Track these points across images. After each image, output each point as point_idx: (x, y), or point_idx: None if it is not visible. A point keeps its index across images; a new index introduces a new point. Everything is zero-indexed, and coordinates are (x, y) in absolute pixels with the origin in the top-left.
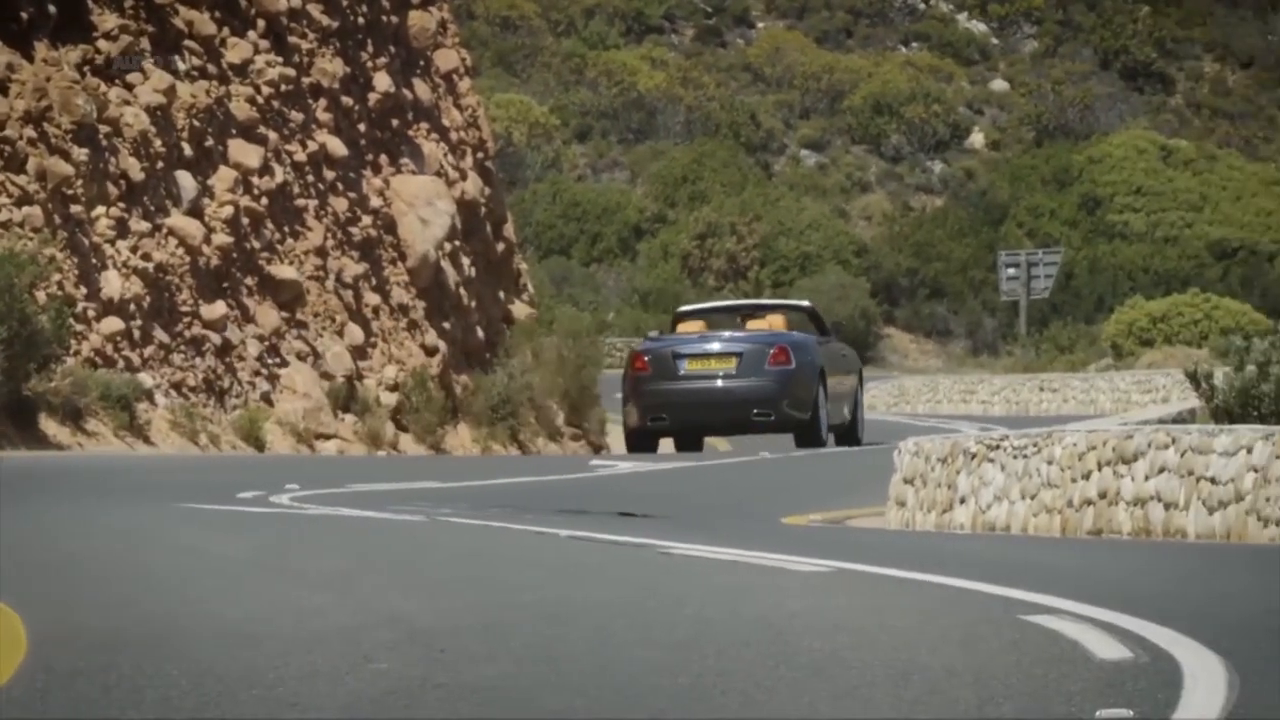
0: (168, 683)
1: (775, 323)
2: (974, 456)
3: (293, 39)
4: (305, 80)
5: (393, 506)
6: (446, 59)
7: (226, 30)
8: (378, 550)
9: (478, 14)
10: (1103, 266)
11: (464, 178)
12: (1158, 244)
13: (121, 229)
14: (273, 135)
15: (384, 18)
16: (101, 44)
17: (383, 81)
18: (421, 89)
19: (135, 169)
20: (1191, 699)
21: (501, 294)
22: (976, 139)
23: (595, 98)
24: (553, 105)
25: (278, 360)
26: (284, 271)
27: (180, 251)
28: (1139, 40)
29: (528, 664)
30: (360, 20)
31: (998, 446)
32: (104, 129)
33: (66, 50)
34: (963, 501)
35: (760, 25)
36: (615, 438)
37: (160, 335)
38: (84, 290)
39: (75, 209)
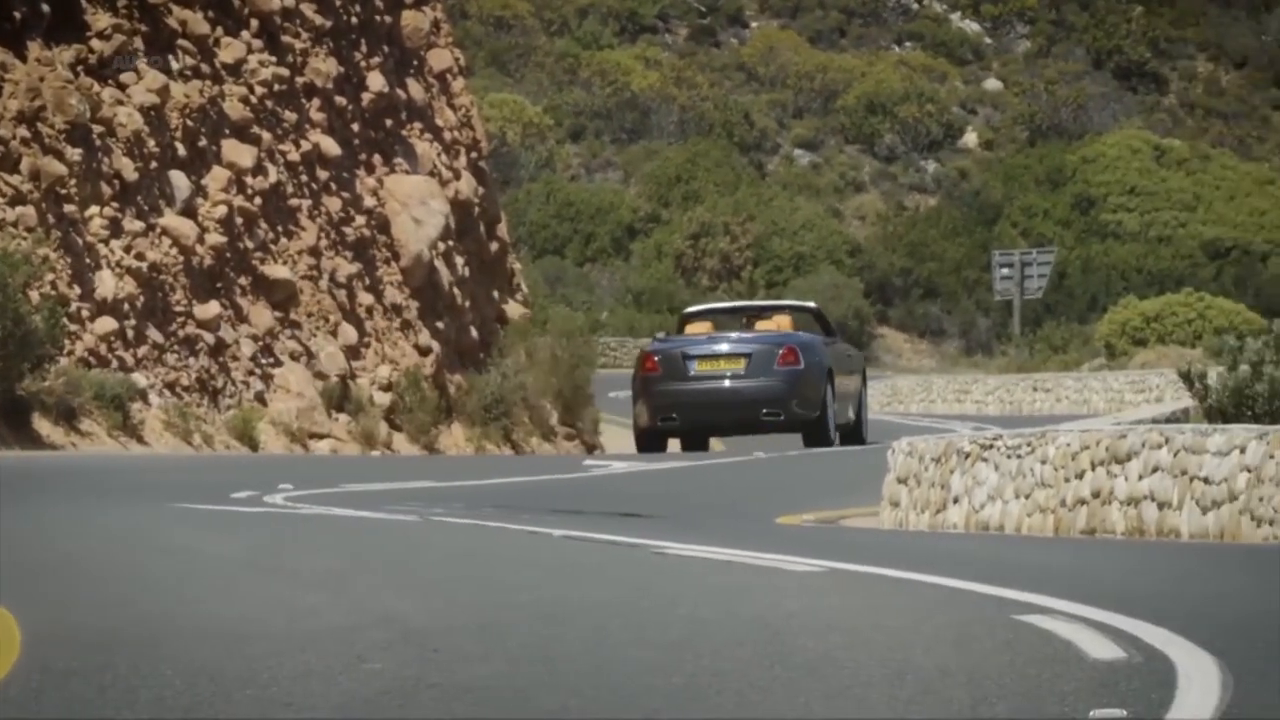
0: (162, 682)
1: (782, 323)
2: (968, 456)
3: (286, 39)
4: (299, 80)
5: (386, 506)
6: (440, 59)
7: (220, 30)
8: (371, 550)
9: (471, 14)
10: (1096, 266)
11: (457, 177)
12: (1151, 244)
13: (115, 229)
14: (266, 135)
15: (377, 17)
16: (95, 43)
17: (376, 81)
18: (415, 89)
19: (129, 169)
20: (1185, 699)
21: (495, 294)
22: (970, 139)
23: (589, 97)
24: (546, 105)
25: (271, 360)
26: (277, 271)
27: (174, 251)
28: (1132, 40)
29: (522, 664)
30: (354, 20)
31: (991, 446)
32: (97, 129)
33: (60, 50)
34: (956, 501)
35: (754, 25)
36: (609, 437)
37: (154, 335)
38: (78, 290)
39: (69, 209)
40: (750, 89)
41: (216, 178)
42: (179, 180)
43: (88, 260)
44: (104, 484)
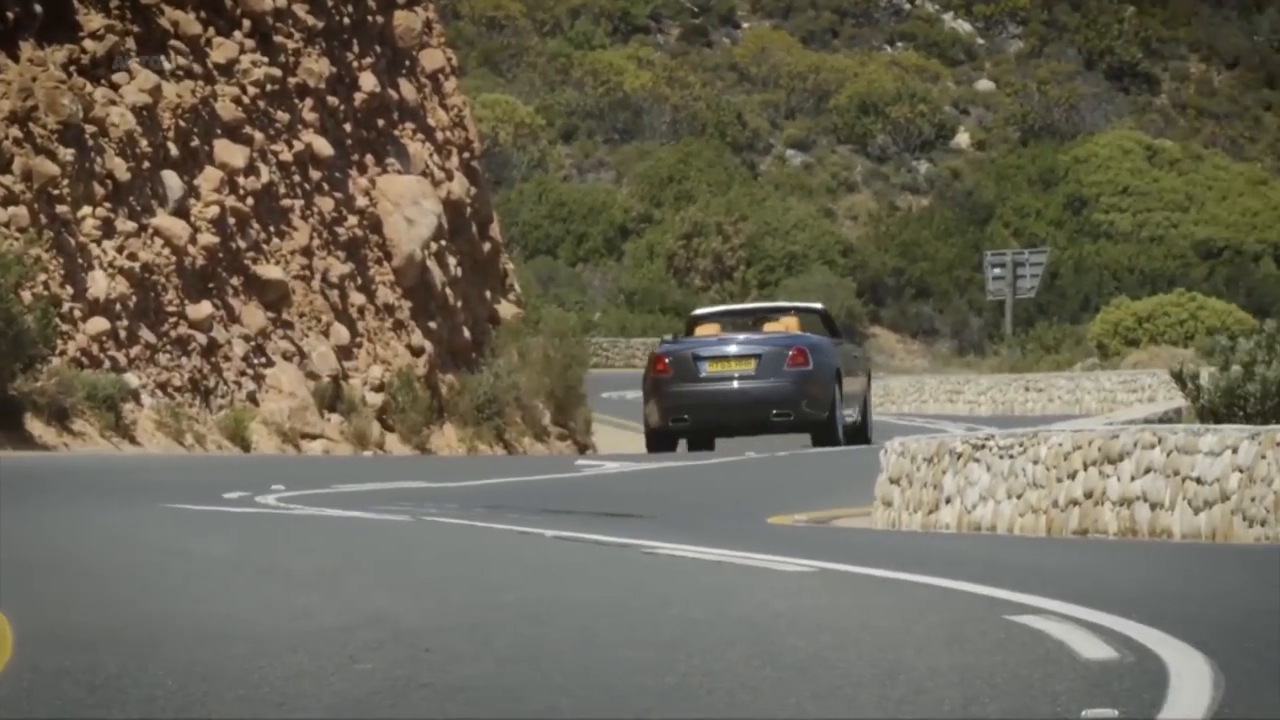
0: (153, 682)
1: (790, 325)
2: (960, 456)
3: (278, 39)
4: (291, 80)
5: (378, 507)
6: (432, 59)
7: (212, 30)
8: (363, 550)
9: (463, 14)
10: (1088, 266)
11: (450, 178)
12: (1143, 244)
13: (107, 229)
14: (258, 135)
15: (370, 17)
16: (87, 44)
17: (368, 81)
18: (407, 89)
19: (121, 169)
20: (1177, 699)
21: (487, 294)
22: (962, 139)
23: (581, 97)
24: (538, 105)
25: (263, 360)
26: (270, 271)
27: (166, 251)
28: (1124, 40)
29: (513, 664)
30: (346, 20)
31: (983, 446)
32: (90, 129)
33: (52, 50)
34: (948, 501)
35: (746, 25)
36: (601, 437)
37: (146, 335)
38: (70, 290)
39: (61, 209)
40: (742, 89)
41: (209, 178)
42: (171, 180)
43: (80, 260)
44: (96, 484)
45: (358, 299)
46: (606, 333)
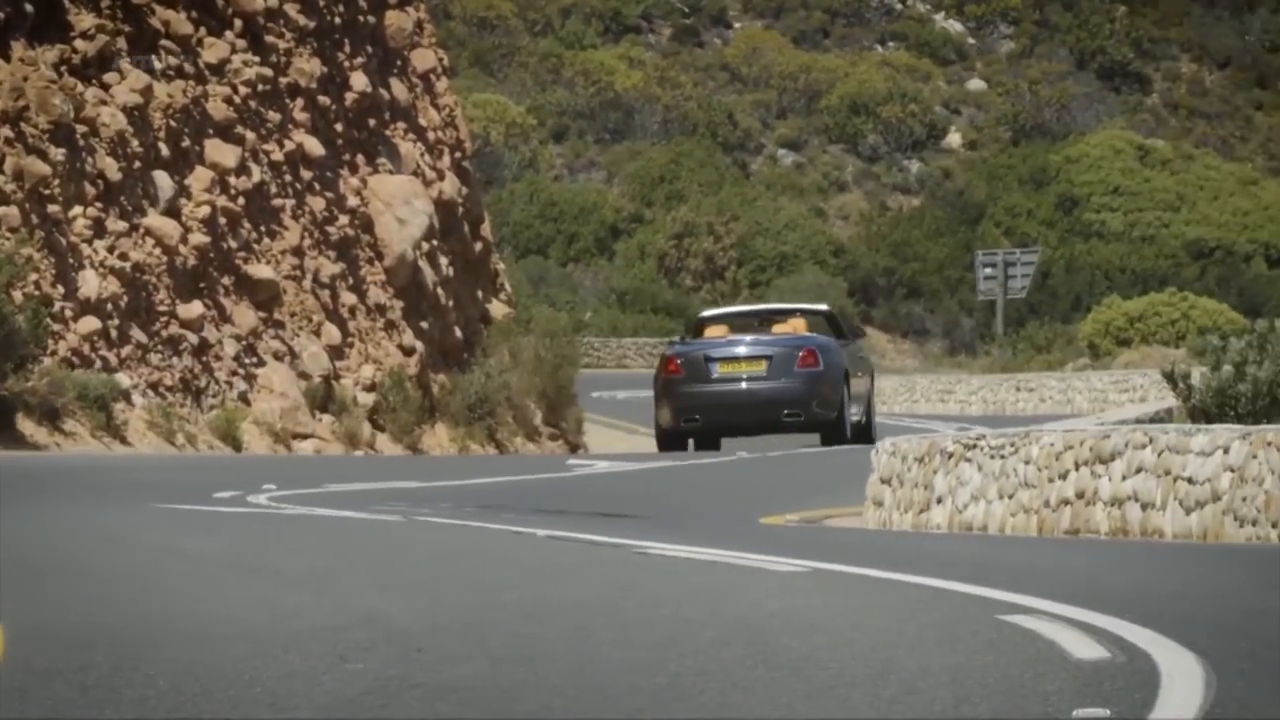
0: (145, 682)
1: (798, 326)
2: (951, 456)
3: (270, 39)
4: (282, 80)
5: (370, 506)
6: (423, 59)
7: (203, 30)
8: (355, 550)
9: (455, 14)
10: (1080, 266)
11: (441, 177)
12: (1135, 243)
13: (98, 229)
14: (250, 135)
15: (361, 18)
16: (78, 44)
17: (360, 81)
18: (399, 89)
19: (112, 169)
20: (1168, 699)
21: (479, 293)
22: (953, 139)
23: (572, 97)
24: (530, 105)
25: (255, 360)
26: (261, 271)
27: (157, 251)
28: (1116, 40)
29: (505, 664)
30: (337, 20)
31: (975, 446)
32: (81, 129)
33: (43, 50)
34: (940, 501)
35: (737, 25)
36: (592, 437)
37: (137, 335)
38: (61, 290)
39: (52, 209)
40: (734, 89)
41: (200, 178)
42: (162, 180)
43: (71, 260)
44: (88, 484)
45: (349, 299)
46: (598, 333)
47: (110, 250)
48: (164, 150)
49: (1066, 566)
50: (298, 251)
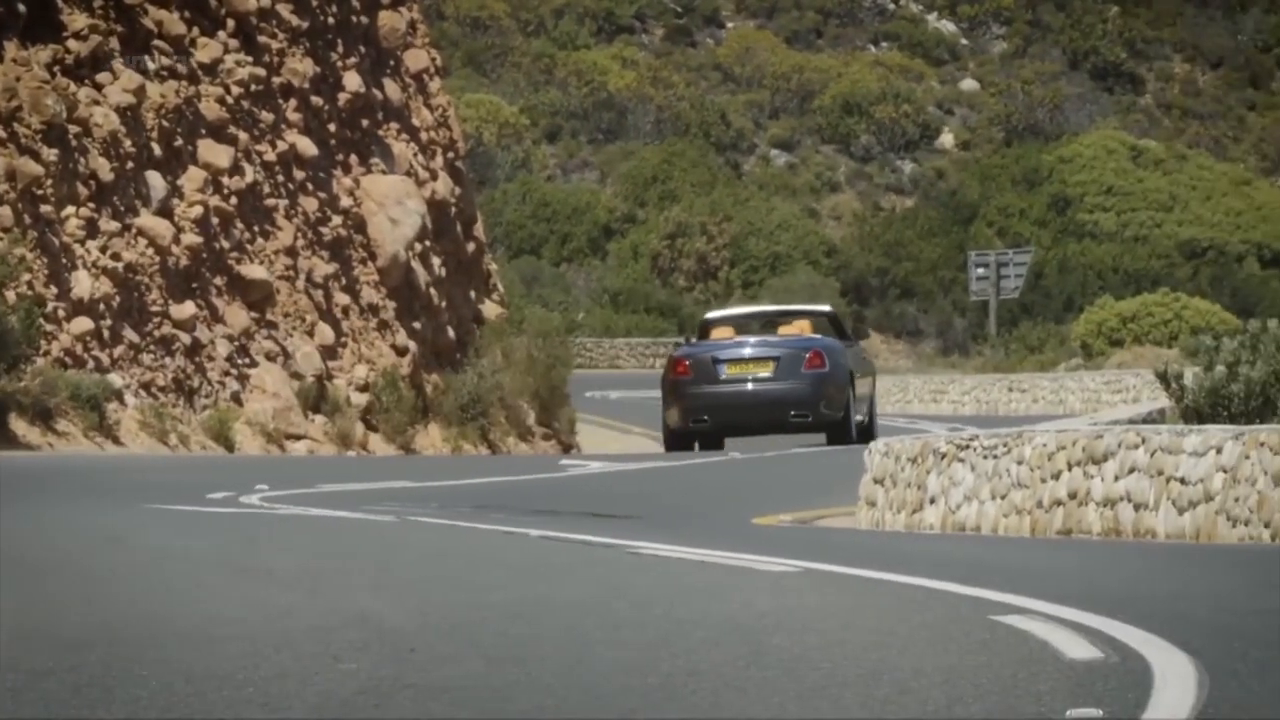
0: (137, 683)
1: (803, 327)
2: (944, 457)
3: (262, 39)
4: (275, 80)
5: (363, 507)
6: (416, 59)
7: (196, 30)
8: (348, 550)
9: (448, 14)
10: (1072, 266)
11: (434, 178)
12: (1127, 244)
13: (91, 229)
14: (242, 135)
15: (354, 18)
16: (71, 44)
17: (353, 81)
18: (391, 89)
19: (105, 169)
20: (1161, 699)
21: (472, 294)
22: (946, 139)
23: (565, 98)
24: (523, 105)
25: (247, 360)
26: (254, 271)
27: (150, 251)
28: (1108, 40)
29: (498, 664)
30: (330, 20)
31: (967, 447)
32: (73, 129)
33: (36, 50)
34: (932, 502)
35: (730, 25)
36: (585, 437)
37: (130, 335)
38: (54, 290)
39: (45, 209)
40: (726, 89)
41: (193, 178)
42: (155, 180)
43: (64, 260)
44: (80, 485)
45: (342, 299)
46: (590, 333)
47: (103, 250)
48: (157, 150)
49: (1059, 567)
50: (290, 252)
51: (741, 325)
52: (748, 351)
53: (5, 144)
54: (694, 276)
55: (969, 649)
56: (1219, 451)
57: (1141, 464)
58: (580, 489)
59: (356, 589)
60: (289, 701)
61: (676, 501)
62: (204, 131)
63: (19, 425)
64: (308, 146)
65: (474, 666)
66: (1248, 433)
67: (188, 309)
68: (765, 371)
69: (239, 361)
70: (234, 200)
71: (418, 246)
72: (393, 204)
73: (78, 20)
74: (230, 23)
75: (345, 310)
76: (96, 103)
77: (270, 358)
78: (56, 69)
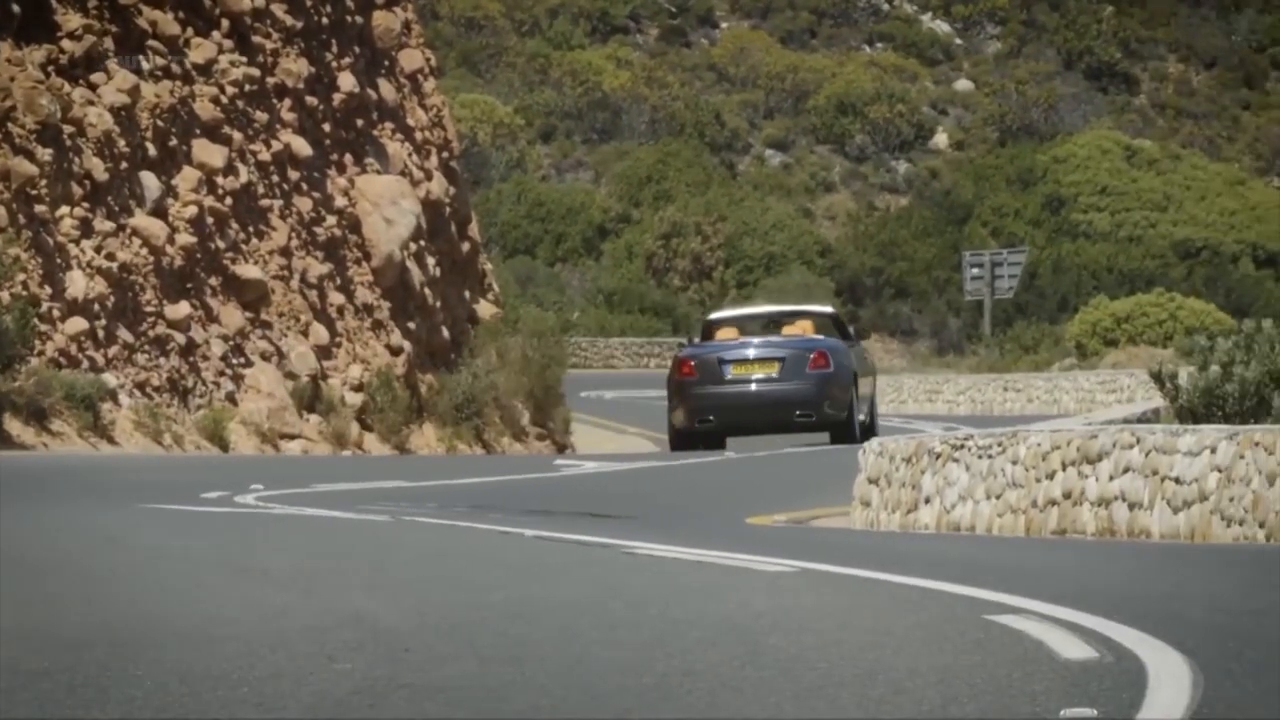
0: (132, 683)
1: (806, 328)
2: (938, 456)
3: (257, 39)
4: (269, 80)
5: (358, 506)
6: (411, 59)
7: (190, 30)
8: (342, 550)
9: (442, 14)
10: (1067, 266)
11: (429, 178)
12: (1122, 244)
13: (85, 229)
14: (237, 135)
15: (348, 18)
16: (65, 44)
17: (347, 81)
18: (386, 89)
19: (99, 169)
20: (1155, 698)
21: (466, 294)
22: (940, 139)
23: (560, 98)
24: (517, 105)
25: (242, 360)
26: (248, 271)
27: (144, 251)
28: (1103, 40)
29: (493, 663)
30: (324, 20)
31: (962, 446)
32: (68, 129)
33: (30, 50)
34: (927, 501)
35: (724, 25)
36: (580, 437)
37: (124, 335)
38: (48, 290)
39: (39, 209)
40: (721, 89)
41: (187, 178)
42: (149, 180)
43: (58, 260)
44: (75, 485)
45: (336, 299)
46: (585, 333)
47: (97, 250)
48: (151, 150)
49: (1054, 566)
50: (285, 252)
51: (745, 326)
52: (753, 352)
53: (0, 144)
54: (689, 276)
55: (964, 649)
56: (1213, 451)
57: (1136, 464)
58: (575, 489)
59: (351, 589)
60: (284, 701)
61: (671, 501)
62: (198, 131)
63: (13, 425)
64: (302, 146)
65: (469, 666)
66: (1242, 432)
67: (182, 309)
68: (770, 372)
69: (234, 361)
70: (228, 200)
71: (412, 246)
72: (387, 204)
73: (72, 20)
74: (225, 23)
75: (340, 310)
76: (91, 103)
77: (265, 357)
78: (51, 69)
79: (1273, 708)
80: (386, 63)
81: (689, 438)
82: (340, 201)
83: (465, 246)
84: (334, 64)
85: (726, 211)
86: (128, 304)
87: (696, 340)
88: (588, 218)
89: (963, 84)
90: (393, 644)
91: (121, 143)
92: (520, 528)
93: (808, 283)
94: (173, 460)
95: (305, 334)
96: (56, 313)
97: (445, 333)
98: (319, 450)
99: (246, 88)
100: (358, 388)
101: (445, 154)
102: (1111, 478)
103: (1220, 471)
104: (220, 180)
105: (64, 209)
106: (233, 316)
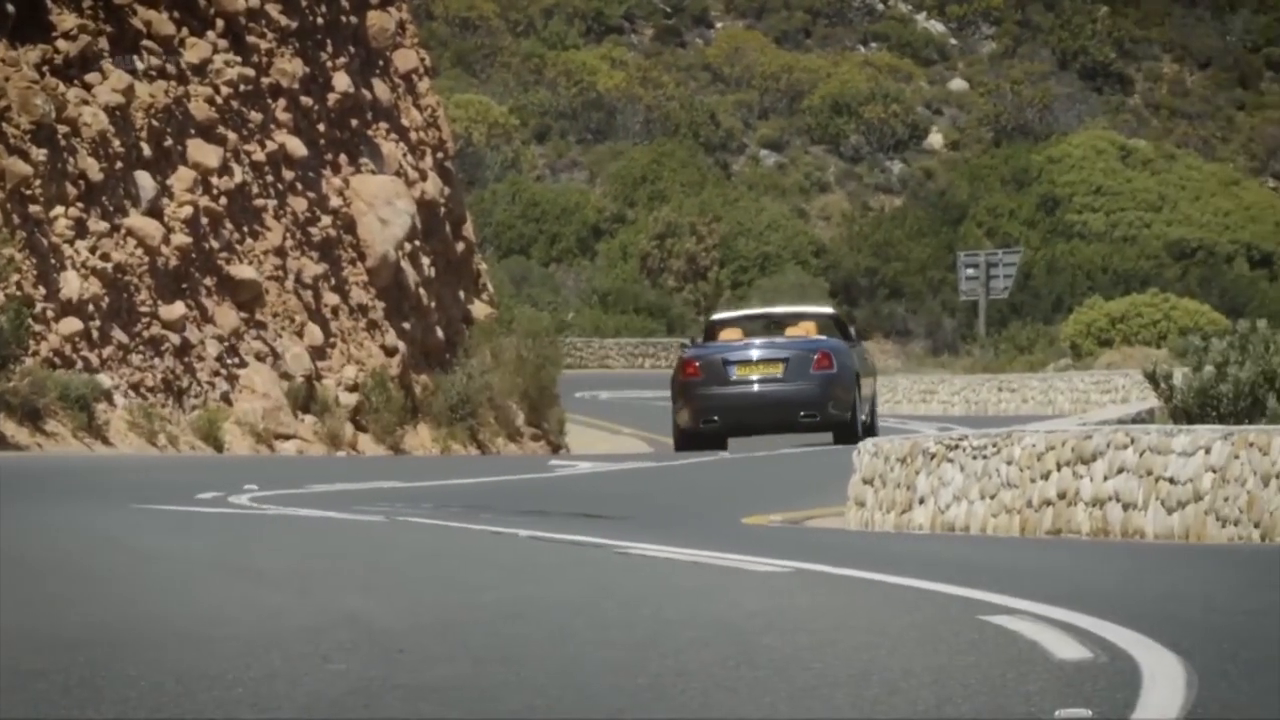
0: (126, 683)
1: (809, 329)
2: (933, 457)
3: (251, 39)
4: (264, 80)
5: (353, 507)
6: (405, 59)
7: (185, 30)
8: (337, 551)
9: (437, 14)
10: (1061, 266)
11: (423, 178)
12: (1116, 244)
13: (80, 229)
14: (232, 135)
15: (343, 18)
16: (60, 44)
17: (342, 81)
18: (381, 89)
19: (94, 169)
20: (1150, 699)
21: (461, 294)
22: (935, 139)
23: (554, 98)
24: (512, 105)
25: (237, 360)
26: (243, 271)
27: (139, 252)
28: (1097, 40)
29: (487, 664)
30: (319, 20)
31: (957, 447)
32: (62, 129)
33: (25, 50)
34: (922, 502)
35: (719, 25)
36: (574, 438)
37: (119, 335)
38: (43, 290)
39: (34, 209)
40: (716, 89)
41: (182, 178)
42: (144, 180)
43: (53, 261)
44: (69, 485)
45: (331, 299)
46: (580, 333)
47: (92, 251)
48: (146, 150)
49: (1048, 567)
50: (280, 252)
51: (748, 327)
52: (757, 353)
53: None
54: (683, 277)
55: (958, 649)
56: (1208, 451)
57: (1130, 464)
58: (569, 489)
59: (346, 590)
60: (278, 702)
61: (666, 502)
62: (193, 131)
63: (8, 426)
64: (297, 147)
65: (463, 667)
66: (1237, 433)
67: (177, 309)
68: (775, 372)
69: (228, 362)
70: (223, 200)
71: (407, 246)
72: (382, 204)
73: (67, 20)
74: (219, 23)
75: (334, 310)
76: (85, 103)
77: (259, 358)
78: (45, 69)
79: (1268, 708)
80: (381, 63)
81: (694, 438)
82: (335, 201)
83: (460, 247)
84: (329, 64)
85: (721, 212)
86: (122, 304)
87: (699, 341)
88: (582, 218)
89: (957, 84)
90: (387, 644)
91: (116, 143)
92: (515, 528)
93: (802, 283)
94: (167, 461)
95: (300, 334)
96: (51, 313)
97: (440, 333)
98: (314, 451)
99: (241, 88)
100: (352, 388)
101: (440, 154)
102: (1106, 478)
103: (1215, 472)
104: (215, 180)
105: (58, 209)
106: (227, 317)
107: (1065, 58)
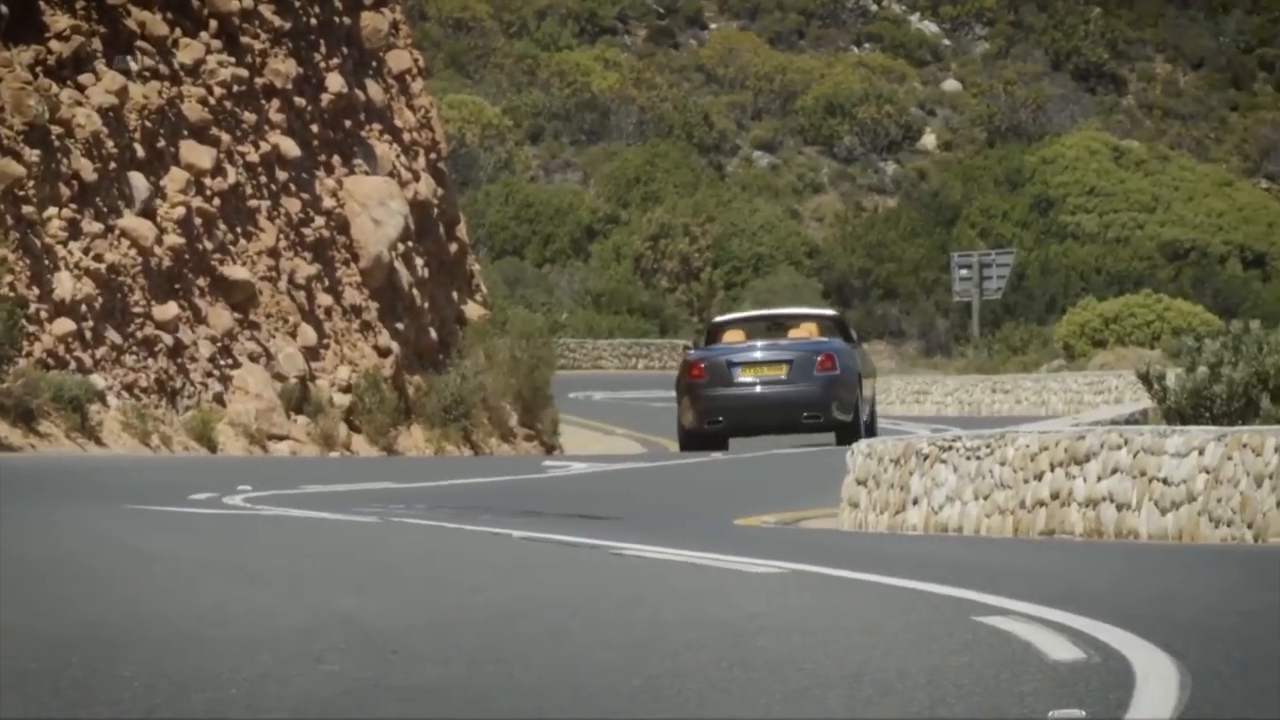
0: (119, 684)
1: (811, 331)
2: (926, 458)
3: (245, 40)
4: (258, 81)
5: (346, 508)
6: (399, 60)
7: (178, 31)
8: (330, 551)
9: (430, 15)
10: (1055, 267)
11: (417, 179)
12: (1110, 245)
13: (73, 230)
14: (225, 136)
15: (336, 19)
16: (54, 45)
17: (335, 82)
18: (374, 90)
19: (87, 170)
20: (1143, 699)
21: (454, 295)
22: (928, 140)
23: (548, 99)
24: (505, 106)
25: (230, 361)
26: (236, 272)
27: (132, 252)
28: (1090, 41)
29: (481, 665)
30: (313, 21)
31: (950, 448)
32: (56, 130)
33: (19, 51)
34: (915, 503)
35: (713, 26)
36: (568, 438)
37: (112, 336)
38: (36, 291)
39: (27, 210)
40: (709, 90)
41: (175, 179)
42: (138, 181)
43: (46, 261)
44: (62, 486)
45: (325, 300)
46: (573, 334)
47: (85, 251)
48: (139, 151)
49: (1042, 567)
50: (273, 253)
51: (750, 329)
52: (760, 354)
53: None
54: (677, 278)
55: (952, 650)
56: (1201, 452)
57: (1124, 465)
58: (563, 490)
59: (339, 590)
60: (271, 703)
61: (660, 502)
62: (186, 132)
63: (1, 426)
64: (290, 147)
65: (457, 668)
66: (1230, 434)
67: (170, 310)
68: (778, 374)
69: (221, 362)
70: (216, 201)
71: (400, 247)
72: (375, 205)
73: (60, 21)
74: (213, 23)
75: (328, 311)
76: (79, 103)
77: (253, 359)
78: (39, 70)
79: (1261, 709)
80: (374, 63)
81: (699, 439)
82: (328, 202)
83: (453, 247)
84: (322, 65)
85: (714, 212)
86: (116, 305)
87: (699, 343)
88: (576, 219)
89: (950, 85)
90: (380, 645)
91: (110, 143)
92: (508, 529)
93: (796, 284)
94: (160, 461)
95: (293, 335)
96: (44, 314)
97: (433, 334)
98: (307, 451)
99: (234, 88)
100: (346, 389)
101: (433, 155)
102: (1099, 479)
103: (1208, 473)
104: (208, 181)
105: (52, 210)
106: (221, 317)
107: (1058, 58)
